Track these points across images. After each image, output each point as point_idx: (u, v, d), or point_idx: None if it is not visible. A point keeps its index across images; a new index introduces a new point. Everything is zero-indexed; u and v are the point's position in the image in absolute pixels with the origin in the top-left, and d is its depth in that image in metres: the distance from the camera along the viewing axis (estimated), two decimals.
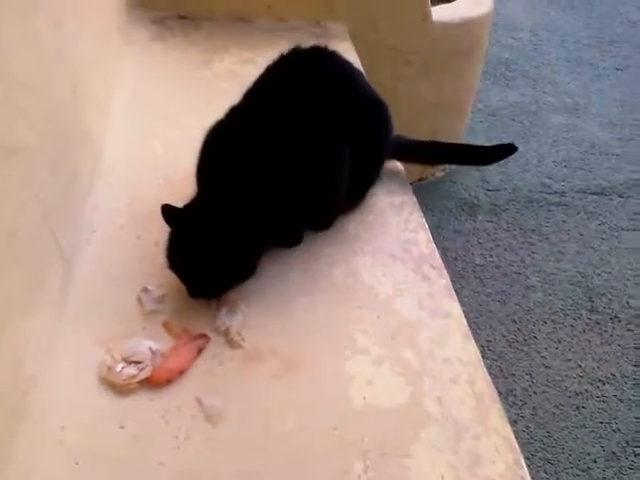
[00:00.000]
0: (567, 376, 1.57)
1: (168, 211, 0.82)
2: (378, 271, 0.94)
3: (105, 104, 1.19)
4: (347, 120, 0.91)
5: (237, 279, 0.85)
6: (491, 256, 1.90)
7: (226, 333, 0.82)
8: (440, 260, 0.98)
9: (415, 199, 1.10)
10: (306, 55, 0.94)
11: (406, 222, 1.04)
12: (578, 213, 2.08)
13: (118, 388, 0.74)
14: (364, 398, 0.77)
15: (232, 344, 0.82)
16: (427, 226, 1.05)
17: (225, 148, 0.88)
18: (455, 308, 0.90)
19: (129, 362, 0.76)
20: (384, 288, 0.92)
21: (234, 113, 0.90)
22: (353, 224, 1.02)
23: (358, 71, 0.98)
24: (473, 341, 0.86)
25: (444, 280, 0.95)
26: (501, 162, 2.18)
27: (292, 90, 0.89)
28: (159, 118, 1.22)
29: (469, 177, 2.18)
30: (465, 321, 0.89)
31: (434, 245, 1.01)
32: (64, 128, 0.91)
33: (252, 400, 0.76)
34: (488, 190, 2.14)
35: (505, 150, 1.14)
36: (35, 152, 0.76)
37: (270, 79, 0.92)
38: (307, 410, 0.76)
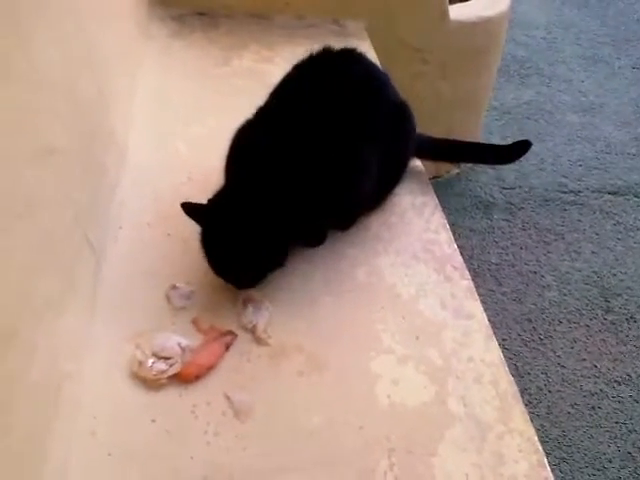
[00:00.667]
0: (582, 376, 1.58)
1: (189, 208, 0.83)
2: (401, 271, 0.95)
3: (128, 102, 1.20)
4: (373, 122, 0.92)
5: (270, 267, 0.86)
6: (507, 255, 1.90)
7: (253, 330, 0.84)
8: (462, 260, 0.99)
9: (436, 199, 1.11)
10: (334, 56, 0.94)
11: (427, 222, 1.05)
12: (594, 212, 2.08)
13: (149, 383, 0.76)
14: (389, 397, 0.79)
15: (259, 341, 0.83)
16: (448, 226, 1.05)
17: (254, 147, 0.89)
18: (478, 309, 0.91)
19: (159, 357, 0.78)
20: (407, 288, 0.93)
21: (263, 112, 0.91)
22: (376, 224, 1.03)
23: (384, 73, 0.99)
24: (496, 342, 0.87)
25: (466, 281, 0.96)
26: (516, 161, 2.23)
27: (319, 91, 0.89)
28: (180, 116, 1.23)
29: (484, 175, 2.18)
30: (487, 322, 0.90)
31: (455, 245, 1.02)
32: (91, 128, 0.92)
33: (279, 397, 0.77)
34: (503, 188, 2.14)
35: (521, 148, 1.15)
36: (67, 153, 0.78)
37: (298, 79, 0.93)
38: (333, 408, 0.77)
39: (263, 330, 0.84)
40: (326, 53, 0.94)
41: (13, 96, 0.61)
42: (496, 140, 2.34)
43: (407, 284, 0.94)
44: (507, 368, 0.84)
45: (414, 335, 0.86)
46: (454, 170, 2.18)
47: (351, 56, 0.96)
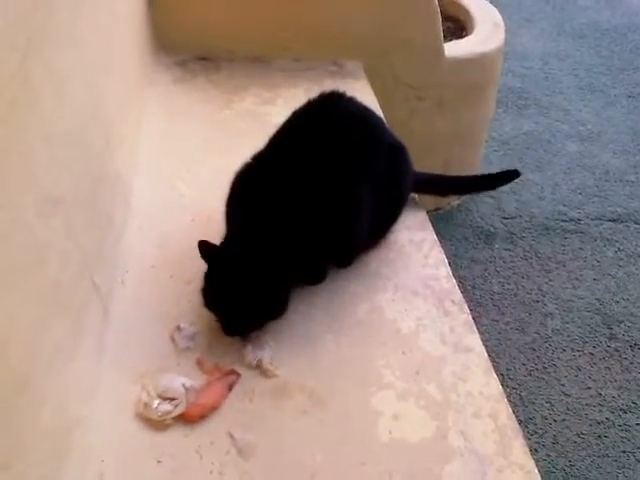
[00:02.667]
0: (587, 404, 1.58)
1: (204, 247, 0.86)
2: (401, 307, 0.98)
3: (133, 148, 1.24)
4: (368, 162, 0.96)
5: (271, 316, 0.88)
6: (509, 284, 1.92)
7: (258, 365, 0.86)
8: (460, 295, 1.01)
9: (434, 235, 1.13)
10: (329, 101, 0.98)
11: (426, 258, 1.07)
12: (594, 240, 2.10)
13: (154, 424, 0.78)
14: (390, 432, 0.80)
15: (267, 374, 0.85)
16: (447, 262, 1.08)
17: (252, 191, 0.92)
18: (477, 343, 0.93)
19: (164, 398, 0.80)
20: (407, 324, 0.95)
21: (261, 157, 0.95)
22: (375, 261, 1.05)
23: (378, 116, 1.03)
24: (495, 375, 0.89)
25: (465, 315, 0.98)
26: (516, 190, 2.27)
27: (316, 135, 0.93)
28: (184, 158, 1.27)
29: (485, 205, 2.21)
30: (486, 355, 0.91)
31: (454, 281, 1.04)
32: (98, 176, 0.96)
33: (282, 435, 0.79)
34: (504, 218, 2.17)
35: (509, 175, 1.22)
36: (75, 201, 0.81)
37: (295, 124, 0.96)
38: (335, 445, 0.79)
39: (269, 363, 0.86)
40: (321, 99, 0.98)
41: (25, 152, 0.65)
42: (495, 170, 2.32)
43: (407, 319, 0.96)
44: (506, 401, 0.85)
45: (414, 370, 0.88)
46: (455, 201, 2.20)
47: (344, 101, 0.99)
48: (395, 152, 1.02)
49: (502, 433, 0.81)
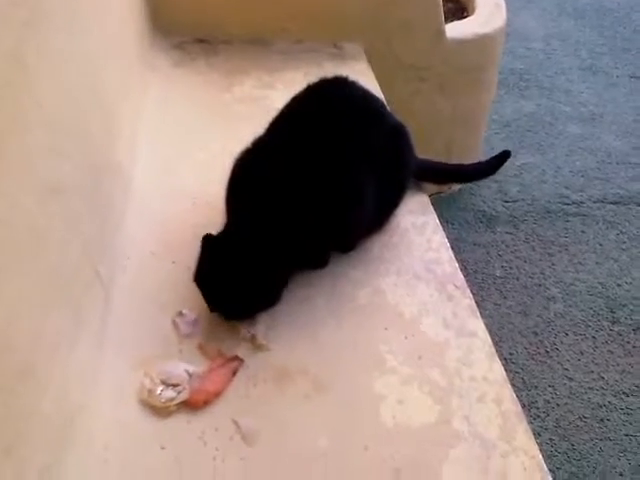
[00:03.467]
0: (590, 388, 1.58)
1: (208, 240, 0.86)
2: (403, 291, 0.97)
3: (132, 133, 1.23)
4: (369, 146, 0.95)
5: (260, 305, 0.88)
6: (511, 268, 1.91)
7: (252, 340, 0.86)
8: (463, 279, 1.01)
9: (437, 219, 1.13)
10: (329, 86, 0.97)
11: (429, 242, 1.07)
12: (597, 223, 2.09)
13: (158, 410, 0.78)
14: (394, 417, 0.80)
15: (260, 348, 0.86)
16: (449, 245, 1.07)
17: (253, 176, 0.91)
18: (480, 327, 0.93)
19: (167, 385, 0.79)
20: (409, 308, 0.94)
21: (261, 142, 0.94)
22: (377, 245, 1.05)
23: (379, 100, 1.02)
24: (498, 360, 0.88)
25: (468, 299, 0.97)
26: (518, 173, 2.26)
27: (316, 120, 0.92)
28: (184, 143, 1.26)
29: (486, 189, 2.20)
30: (490, 340, 0.91)
31: (457, 264, 1.03)
32: (98, 163, 0.95)
33: (285, 420, 0.79)
34: (506, 202, 2.16)
35: (501, 158, 1.23)
36: (75, 189, 0.80)
37: (295, 110, 0.95)
38: (339, 430, 0.78)
39: (262, 337, 0.87)
40: (321, 83, 0.97)
41: (24, 139, 0.64)
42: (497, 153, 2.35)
43: (409, 304, 0.95)
44: (510, 386, 0.85)
45: (417, 355, 0.88)
46: (456, 185, 2.19)
47: (344, 85, 0.98)
48: (397, 135, 1.01)
49: (506, 418, 0.80)
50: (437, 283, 0.99)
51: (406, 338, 0.90)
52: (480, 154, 2.26)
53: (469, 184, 2.21)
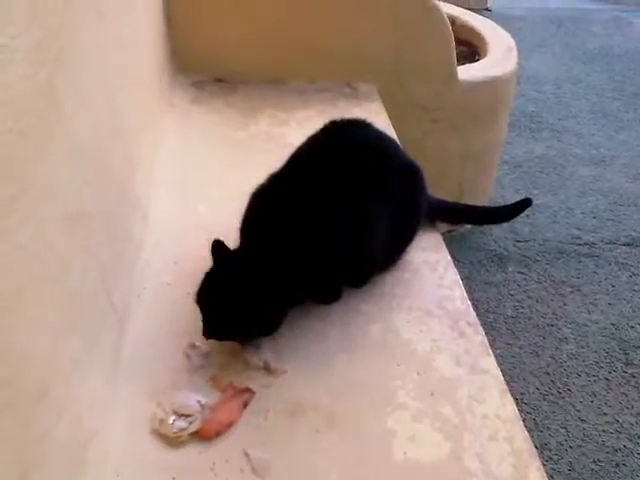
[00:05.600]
0: (604, 431, 1.56)
1: (218, 246, 0.88)
2: (416, 328, 0.97)
3: (150, 166, 1.26)
4: (383, 184, 0.96)
5: (254, 331, 0.88)
6: (522, 307, 1.91)
7: (265, 366, 0.87)
8: (475, 316, 1.01)
9: (449, 256, 1.14)
10: (345, 126, 1.00)
11: (441, 279, 1.07)
12: (609, 264, 2.08)
13: (169, 440, 0.78)
14: (405, 453, 0.79)
15: (276, 373, 0.87)
16: (461, 283, 1.08)
17: (268, 210, 0.93)
18: (492, 365, 0.92)
19: (179, 415, 0.80)
20: (422, 345, 0.95)
21: (277, 178, 0.96)
22: (390, 281, 1.05)
23: (394, 140, 1.04)
24: (510, 398, 0.88)
25: (480, 336, 0.97)
26: (530, 214, 2.27)
27: (332, 158, 0.94)
28: (201, 178, 1.29)
29: (498, 228, 2.21)
30: (502, 377, 0.91)
31: (469, 302, 1.04)
32: (117, 192, 0.97)
33: (296, 454, 0.79)
34: (517, 241, 2.16)
35: (522, 206, 1.21)
36: (95, 217, 0.82)
37: (311, 147, 0.98)
38: (350, 465, 0.78)
39: (275, 361, 0.88)
40: (336, 123, 1.00)
41: (49, 166, 0.66)
42: (508, 194, 2.37)
43: (422, 340, 0.95)
44: (522, 424, 0.84)
45: (429, 391, 0.88)
46: (468, 225, 2.20)
47: (359, 125, 1.01)
48: (410, 173, 1.03)
49: (518, 457, 0.80)
50: (449, 320, 1.00)
51: (418, 374, 0.90)
52: (491, 194, 2.29)
53: None
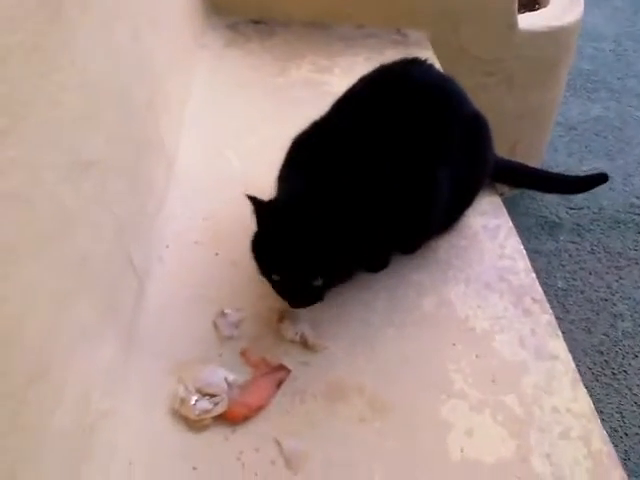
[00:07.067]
0: None
1: (258, 203, 0.74)
2: (473, 302, 0.85)
3: (179, 113, 1.14)
4: (447, 136, 0.83)
5: (336, 278, 0.76)
6: (574, 279, 1.76)
7: (302, 340, 0.77)
8: (542, 292, 0.88)
9: (510, 222, 1.01)
10: (401, 68, 0.86)
11: (502, 248, 0.95)
12: None
13: (191, 423, 0.68)
14: (462, 450, 0.68)
15: (314, 349, 0.77)
16: (525, 253, 0.95)
17: (311, 162, 0.80)
18: (562, 349, 0.81)
19: (203, 394, 0.70)
20: (480, 322, 0.83)
21: (322, 126, 0.83)
22: (443, 248, 0.93)
23: (458, 85, 0.90)
24: (584, 389, 0.76)
25: (547, 315, 0.85)
26: None
27: (387, 103, 0.81)
28: (234, 127, 1.17)
29: (549, 194, 2.05)
30: (573, 365, 0.79)
31: (534, 275, 0.91)
32: (139, 139, 0.86)
33: (336, 446, 0.68)
34: (570, 208, 2.00)
35: (596, 180, 1.07)
36: (110, 164, 0.71)
37: (364, 91, 0.84)
38: (398, 461, 0.67)
39: (314, 336, 0.77)
40: (395, 64, 0.86)
41: (52, 102, 0.54)
42: (561, 157, 2.21)
43: (480, 317, 0.83)
44: (599, 422, 0.72)
45: (490, 378, 0.76)
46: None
47: (418, 66, 0.87)
48: (476, 125, 0.89)
49: (597, 461, 0.68)
50: (512, 295, 0.87)
51: (477, 357, 0.78)
52: (543, 157, 2.12)
53: None
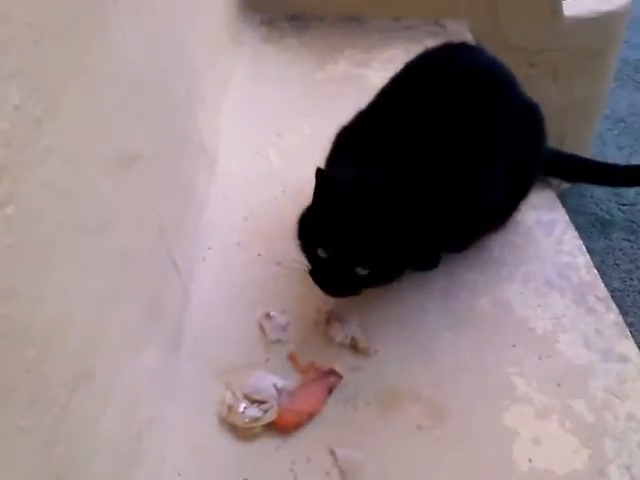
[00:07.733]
0: None
1: (325, 176, 0.70)
2: (532, 301, 0.80)
3: (217, 109, 1.12)
4: (498, 128, 0.78)
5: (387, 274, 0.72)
6: (631, 280, 1.68)
7: (353, 343, 0.73)
8: (606, 290, 0.83)
9: (566, 216, 0.95)
10: (450, 51, 0.81)
11: (559, 243, 0.89)
12: None
13: (240, 432, 0.65)
14: (530, 461, 0.63)
15: (365, 352, 0.73)
16: (585, 248, 0.89)
17: (356, 155, 0.76)
18: (632, 350, 0.75)
19: (252, 401, 0.66)
20: (541, 322, 0.77)
21: (369, 116, 0.79)
22: (497, 245, 0.88)
23: (511, 71, 0.85)
24: None
25: (614, 314, 0.79)
26: None
27: (436, 91, 0.76)
28: (273, 124, 1.14)
29: (599, 190, 1.97)
30: None
31: (596, 271, 0.85)
32: (179, 135, 0.83)
33: (393, 456, 0.64)
34: (622, 205, 1.92)
35: None
36: (152, 160, 0.68)
37: (410, 79, 0.80)
38: (460, 472, 0.63)
39: (365, 340, 0.73)
40: (443, 49, 0.81)
41: (88, 88, 0.51)
42: (611, 150, 2.12)
43: (541, 317, 0.78)
44: None
45: (555, 381, 0.71)
46: (565, 184, 1.97)
47: (469, 51, 0.82)
48: (530, 114, 0.84)
49: None
50: (574, 293, 0.82)
51: (540, 359, 0.73)
52: (591, 151, 2.04)
53: (580, 184, 1.98)
